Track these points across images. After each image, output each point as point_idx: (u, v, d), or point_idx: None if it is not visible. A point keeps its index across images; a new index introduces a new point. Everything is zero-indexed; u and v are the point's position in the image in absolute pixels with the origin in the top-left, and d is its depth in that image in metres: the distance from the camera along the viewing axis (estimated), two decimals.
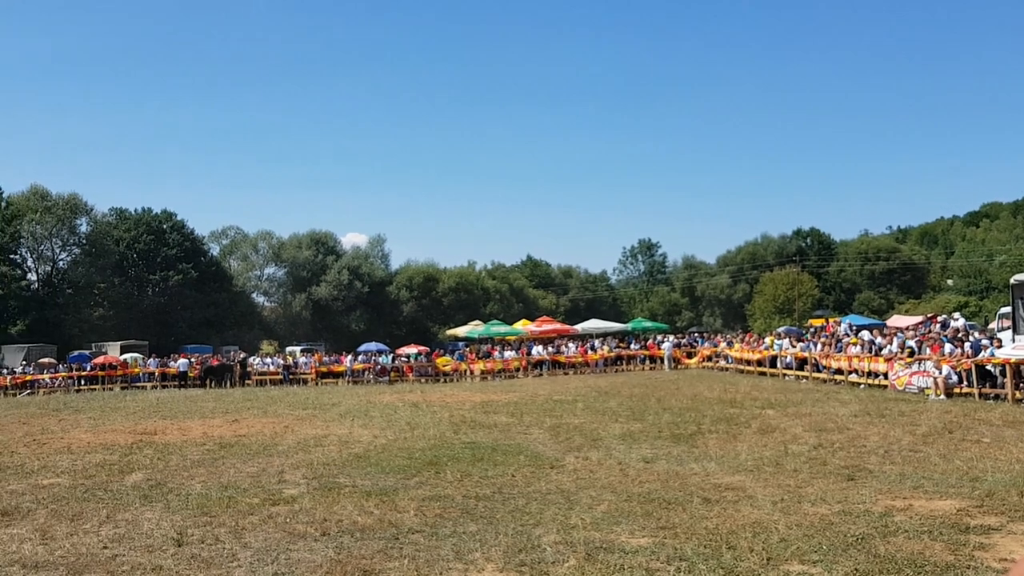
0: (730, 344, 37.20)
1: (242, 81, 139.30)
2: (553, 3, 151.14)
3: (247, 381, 38.18)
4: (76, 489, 10.62)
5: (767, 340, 34.03)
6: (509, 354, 39.85)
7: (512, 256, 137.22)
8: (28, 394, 36.29)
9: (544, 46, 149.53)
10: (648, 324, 53.66)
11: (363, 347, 47.36)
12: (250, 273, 79.79)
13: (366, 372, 38.68)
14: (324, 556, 7.03)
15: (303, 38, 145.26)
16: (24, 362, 43.66)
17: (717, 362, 36.14)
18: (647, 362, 39.37)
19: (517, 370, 37.83)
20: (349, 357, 41.68)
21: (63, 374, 39.75)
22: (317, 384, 37.13)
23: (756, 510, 8.35)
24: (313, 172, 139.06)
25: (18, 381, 38.17)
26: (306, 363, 40.47)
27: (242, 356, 43.48)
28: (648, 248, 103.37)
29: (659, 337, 44.16)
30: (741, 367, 32.94)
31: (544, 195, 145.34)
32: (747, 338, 38.46)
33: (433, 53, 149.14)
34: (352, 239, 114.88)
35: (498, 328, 47.65)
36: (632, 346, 41.83)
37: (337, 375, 38.63)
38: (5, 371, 40.29)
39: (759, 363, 31.49)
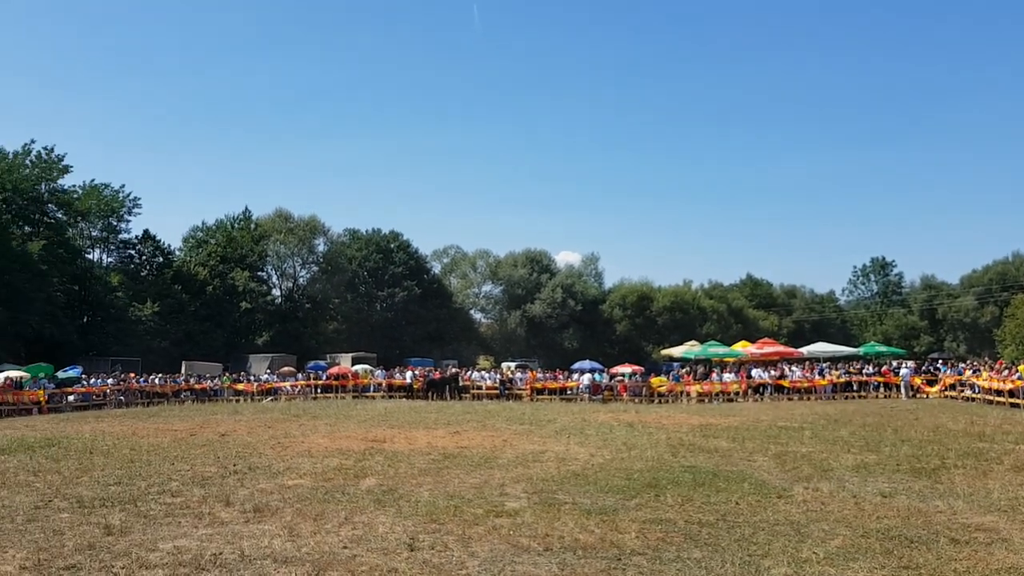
0: (977, 372, 33.99)
1: (462, 109, 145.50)
2: (786, 22, 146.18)
3: (464, 395, 39.41)
4: (317, 490, 11.35)
5: (1020, 369, 30.80)
6: (728, 376, 38.61)
7: (730, 274, 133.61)
8: (271, 400, 39.35)
9: (767, 61, 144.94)
10: (882, 348, 50.26)
11: (576, 365, 47.65)
12: (468, 290, 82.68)
13: (579, 390, 38.85)
14: (548, 571, 7.07)
15: (521, 62, 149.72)
16: (268, 370, 47.46)
17: (962, 391, 33.13)
18: (881, 389, 36.81)
19: (737, 393, 36.58)
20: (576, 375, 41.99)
21: (302, 382, 42.84)
22: (532, 400, 37.71)
23: (1012, 554, 7.57)
24: (529, 192, 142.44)
25: (263, 388, 41.55)
26: (521, 379, 41.25)
27: (452, 371, 44.98)
28: (882, 267, 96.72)
29: (895, 363, 41.20)
30: (990, 398, 30.01)
31: (764, 211, 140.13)
32: (997, 366, 34.99)
33: (645, 72, 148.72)
34: (566, 258, 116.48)
35: (716, 349, 46.37)
36: (865, 372, 39.26)
37: (553, 392, 39.04)
38: (252, 378, 44.00)
39: (1011, 394, 28.53)
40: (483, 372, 46.50)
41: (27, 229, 54.52)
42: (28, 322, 46.87)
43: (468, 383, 41.17)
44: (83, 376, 38.30)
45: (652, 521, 9.19)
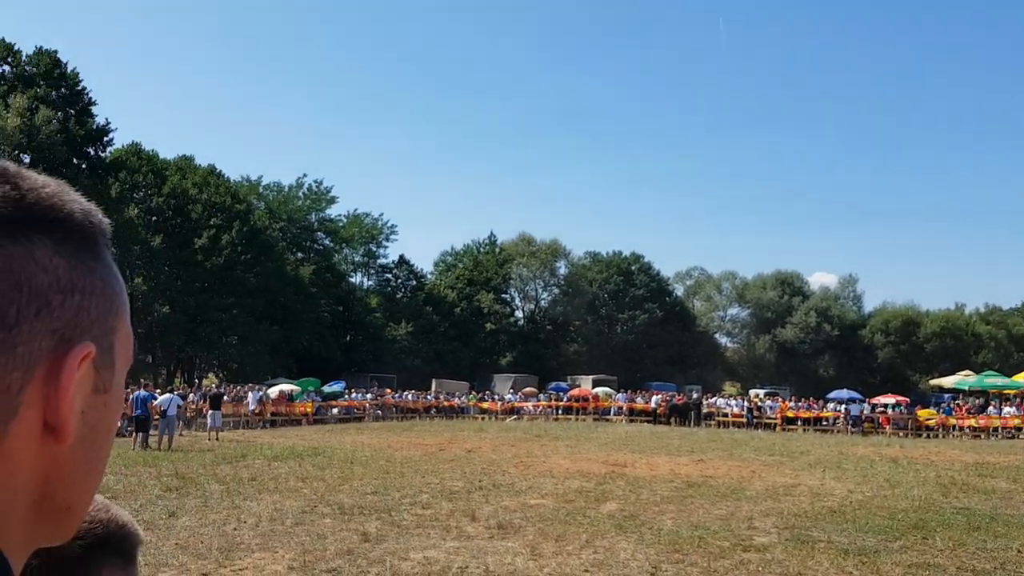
0: None
1: (704, 126, 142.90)
2: None
3: (708, 422, 38.31)
4: (559, 511, 11.34)
5: None
6: (1008, 410, 34.69)
7: (1011, 297, 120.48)
8: (515, 419, 40.38)
9: None
10: None
11: (833, 394, 44.89)
12: (713, 313, 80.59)
13: (836, 420, 36.50)
14: None
15: (764, 76, 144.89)
16: (512, 390, 48.81)
17: None
18: None
19: (1019, 429, 32.76)
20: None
21: (543, 403, 43.65)
22: (783, 429, 35.92)
23: None
24: (777, 210, 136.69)
25: (507, 407, 42.76)
26: (772, 407, 39.41)
27: (695, 396, 43.83)
28: None
29: None
30: None
31: None
32: None
33: (907, 75, 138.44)
34: (820, 279, 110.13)
35: (994, 380, 41.74)
36: None
37: (807, 421, 36.95)
38: (496, 397, 45.44)
39: None
40: (729, 399, 45.00)
41: (299, 255, 60.21)
42: (299, 340, 51.53)
43: (712, 410, 40.01)
44: (345, 391, 41.33)
45: (918, 566, 8.31)
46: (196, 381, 48.44)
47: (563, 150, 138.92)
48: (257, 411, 30.76)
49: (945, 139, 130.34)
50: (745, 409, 39.15)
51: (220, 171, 53.44)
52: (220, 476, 14.68)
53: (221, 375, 53.51)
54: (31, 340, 0.49)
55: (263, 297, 49.42)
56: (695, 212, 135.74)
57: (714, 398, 45.10)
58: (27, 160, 38.72)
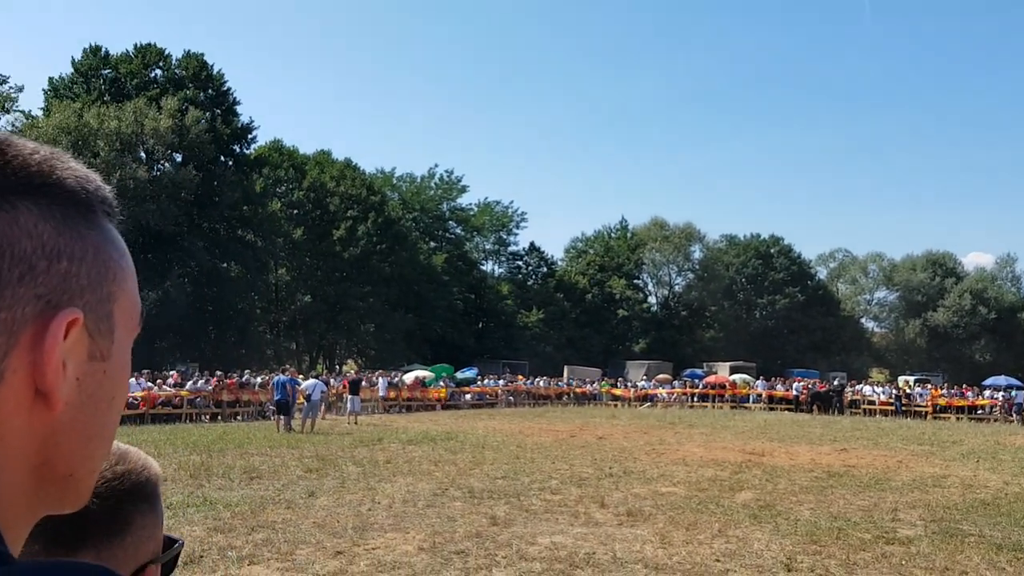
0: None
1: (846, 102, 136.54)
2: None
3: (854, 410, 36.72)
4: (691, 500, 11.09)
5: None
6: None
7: None
8: (648, 406, 39.93)
9: None
10: None
11: (990, 380, 42.20)
12: (859, 297, 77.22)
13: (993, 408, 34.29)
14: None
15: (915, 49, 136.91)
16: (645, 377, 48.28)
17: None
18: None
19: None
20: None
21: (678, 390, 42.96)
22: (934, 418, 34.02)
23: None
24: (927, 187, 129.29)
25: (640, 394, 42.33)
26: (922, 395, 37.38)
27: (838, 383, 42.02)
28: None
29: None
30: None
31: None
32: None
33: None
34: (975, 259, 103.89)
35: None
36: None
37: (960, 410, 34.85)
38: (629, 384, 45.06)
39: None
40: (876, 386, 42.99)
41: (432, 244, 61.51)
42: (433, 327, 52.73)
43: (858, 397, 38.33)
44: (478, 377, 41.95)
45: None
46: (336, 367, 50.35)
47: (696, 131, 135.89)
48: (390, 396, 31.59)
49: None
50: (893, 397, 37.26)
51: (356, 164, 55.25)
52: (357, 458, 15.16)
53: (360, 361, 55.41)
54: (14, 305, 0.49)
55: (398, 286, 50.83)
56: (839, 191, 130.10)
57: (859, 385, 43.16)
58: (179, 159, 41.14)
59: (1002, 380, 41.61)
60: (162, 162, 41.06)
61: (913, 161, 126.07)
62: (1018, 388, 38.40)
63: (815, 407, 36.78)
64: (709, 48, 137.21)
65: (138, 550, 0.85)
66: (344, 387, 28.95)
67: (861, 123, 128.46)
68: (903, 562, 7.69)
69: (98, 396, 0.56)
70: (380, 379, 30.51)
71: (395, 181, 63.48)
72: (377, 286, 49.39)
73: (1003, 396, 35.95)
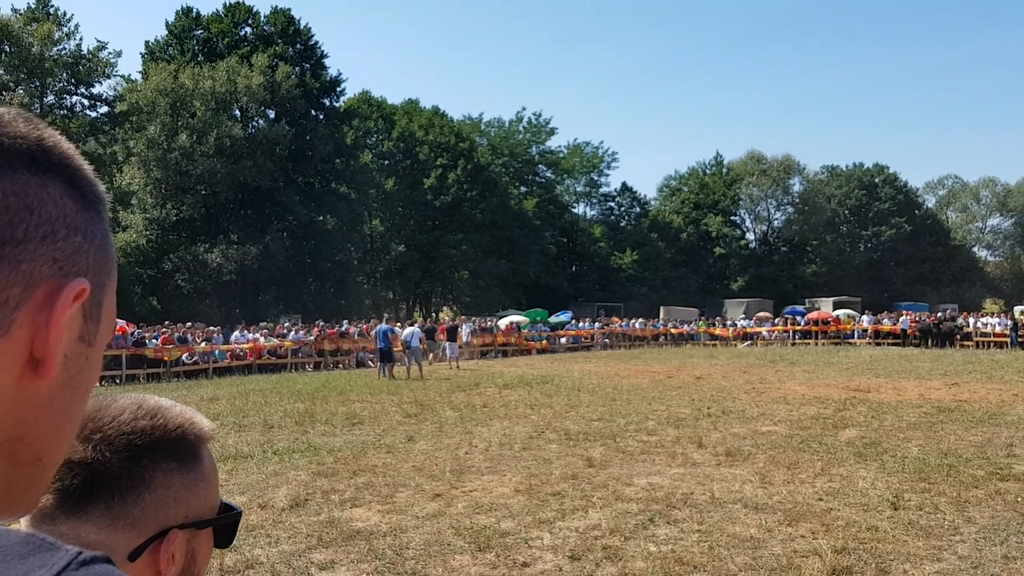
0: None
1: (936, 17, 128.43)
2: None
3: (966, 343, 35.22)
4: (792, 439, 10.86)
5: None
6: None
7: None
8: (748, 345, 39.19)
9: None
10: None
11: None
12: (971, 225, 73.69)
13: None
14: None
15: None
16: (744, 315, 47.34)
17: None
18: None
19: None
20: None
21: (779, 328, 41.97)
22: None
23: None
24: None
25: (739, 333, 41.55)
26: None
27: (940, 315, 40.21)
28: None
29: None
30: None
31: None
32: None
33: None
34: None
35: None
36: None
37: None
38: (728, 323, 44.27)
39: None
40: (990, 317, 41.10)
41: (522, 189, 61.38)
42: (526, 272, 52.91)
43: (970, 330, 36.71)
44: (573, 320, 41.95)
45: None
46: (433, 314, 51.18)
47: (791, 58, 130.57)
48: (474, 343, 31.83)
49: None
50: (1009, 328, 35.53)
51: (443, 112, 55.36)
52: (455, 403, 15.41)
53: (455, 308, 56.20)
54: (34, 260, 0.51)
55: (490, 232, 51.06)
56: (946, 113, 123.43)
57: (973, 319, 41.32)
58: (271, 115, 41.97)
59: None
60: (256, 119, 42.00)
61: (1011, 74, 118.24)
62: None
63: (928, 341, 35.40)
64: None
65: (159, 511, 0.81)
66: (442, 333, 29.45)
67: (966, 39, 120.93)
68: (1019, 499, 7.36)
69: (78, 380, 0.56)
70: (463, 326, 30.79)
71: (483, 127, 63.39)
72: (469, 233, 49.75)
73: None
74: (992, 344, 34.64)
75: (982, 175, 76.83)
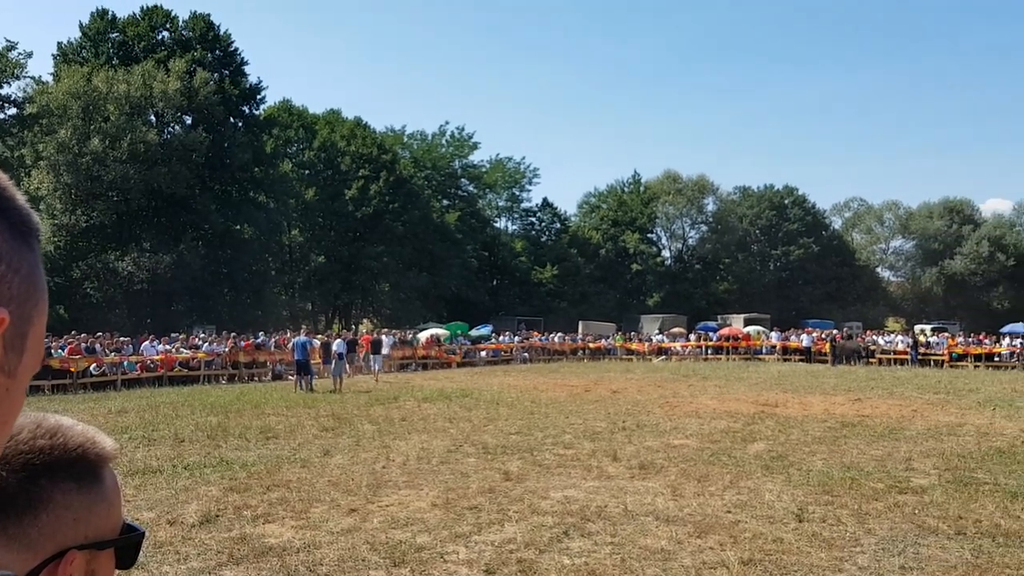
0: None
1: (856, 52, 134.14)
2: None
3: (870, 360, 36.60)
4: (703, 452, 11.14)
5: None
6: None
7: None
8: (663, 360, 39.94)
9: None
10: None
11: (1007, 328, 41.95)
12: (874, 246, 76.62)
13: (1013, 355, 34.16)
14: (959, 557, 6.20)
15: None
16: (659, 330, 48.20)
17: None
18: None
19: None
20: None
21: (692, 343, 42.91)
22: (951, 367, 33.91)
23: None
24: (945, 134, 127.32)
25: (654, 348, 42.33)
26: (939, 344, 37.21)
27: (846, 332, 41.71)
28: None
29: None
30: None
31: None
32: None
33: None
34: (993, 206, 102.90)
35: None
36: None
37: (977, 358, 34.68)
38: (644, 338, 45.04)
39: None
40: (892, 335, 42.85)
41: (444, 202, 61.39)
42: (448, 285, 52.87)
43: (868, 346, 38.15)
44: (493, 334, 42.07)
45: None
46: (352, 327, 50.64)
47: (708, 82, 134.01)
48: (394, 356, 31.61)
49: None
50: (909, 346, 37.12)
51: (366, 123, 55.02)
52: (373, 417, 15.30)
53: (375, 320, 55.72)
54: None
55: (411, 244, 50.88)
56: (853, 139, 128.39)
57: (875, 336, 42.92)
58: (188, 121, 41.03)
59: (1020, 327, 41.24)
60: (172, 125, 40.97)
61: (928, 107, 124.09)
62: None
63: (844, 359, 36.40)
64: (715, 2, 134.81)
65: (57, 532, 0.79)
66: (364, 345, 29.29)
67: (874, 70, 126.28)
68: (916, 511, 7.70)
69: None
70: (384, 338, 30.61)
71: (406, 139, 63.22)
72: (391, 245, 49.45)
73: (1021, 343, 35.75)
74: (893, 361, 36.10)
75: (885, 199, 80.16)
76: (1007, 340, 37.11)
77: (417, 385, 23.48)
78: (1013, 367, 33.02)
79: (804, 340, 39.48)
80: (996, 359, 34.54)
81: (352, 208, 49.16)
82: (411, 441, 12.20)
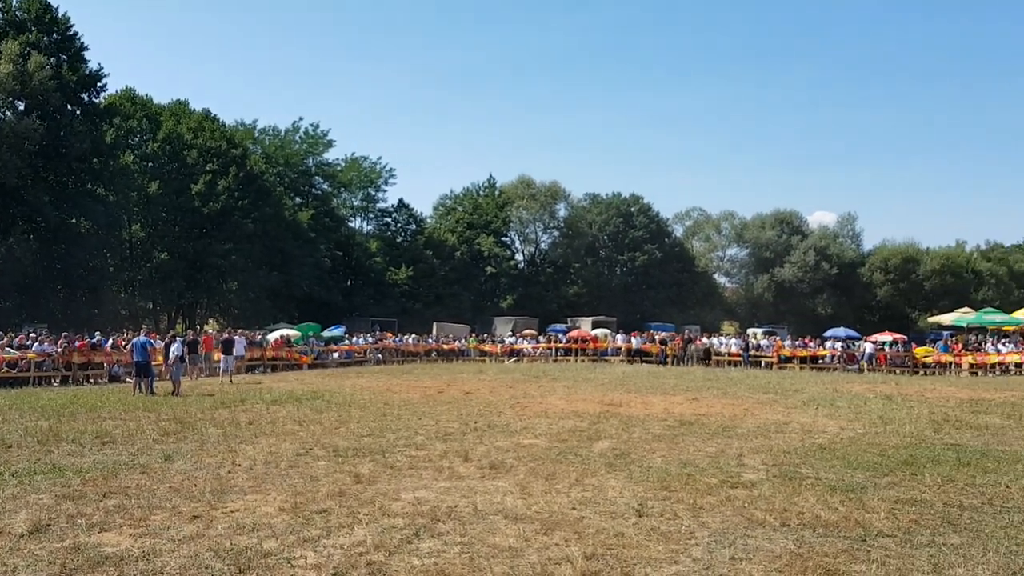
0: None
1: (701, 70, 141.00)
2: None
3: (708, 362, 38.50)
4: (551, 451, 11.47)
5: None
6: (1006, 347, 34.86)
7: (1013, 234, 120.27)
8: (515, 361, 40.62)
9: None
10: None
11: (830, 332, 45.11)
12: (712, 254, 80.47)
13: (834, 358, 36.78)
14: (783, 547, 6.68)
15: (763, 21, 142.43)
16: (512, 332, 48.93)
17: None
18: None
19: (1017, 366, 32.94)
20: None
21: (543, 345, 43.83)
22: (779, 368, 36.15)
23: None
24: (777, 150, 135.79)
25: (507, 349, 42.96)
26: (768, 346, 39.63)
27: (688, 335, 43.76)
28: None
29: None
30: None
31: None
32: None
33: (905, 14, 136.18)
34: (819, 218, 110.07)
35: (993, 316, 41.83)
36: None
37: (804, 360, 37.14)
38: (496, 339, 45.63)
39: None
40: (726, 338, 45.20)
41: (297, 200, 60.07)
42: (299, 285, 51.71)
43: (705, 348, 40.10)
44: (346, 335, 41.50)
45: (905, 501, 8.42)
46: (197, 327, 48.66)
47: (562, 91, 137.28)
48: (248, 356, 30.78)
49: (944, 74, 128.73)
50: (742, 348, 39.34)
51: (215, 116, 52.95)
52: (218, 420, 14.84)
53: (222, 320, 53.78)
54: None
55: (262, 242, 49.40)
56: (695, 152, 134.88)
57: (713, 338, 45.16)
58: (21, 107, 38.32)
59: (841, 332, 44.58)
60: (2, 110, 38.12)
61: (763, 124, 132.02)
62: (856, 339, 41.30)
63: (698, 361, 38.06)
64: (574, 9, 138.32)
65: None
66: (205, 346, 28.25)
67: (715, 87, 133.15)
68: (745, 504, 8.23)
69: None
70: (238, 338, 29.67)
71: (257, 134, 61.38)
72: (240, 243, 47.82)
73: (842, 346, 38.57)
74: (728, 363, 38.11)
75: (723, 209, 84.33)
76: (829, 343, 39.92)
77: (266, 387, 22.90)
78: (834, 369, 35.55)
79: (634, 342, 41.28)
80: (819, 361, 37.08)
81: (199, 203, 47.19)
82: (258, 445, 11.94)
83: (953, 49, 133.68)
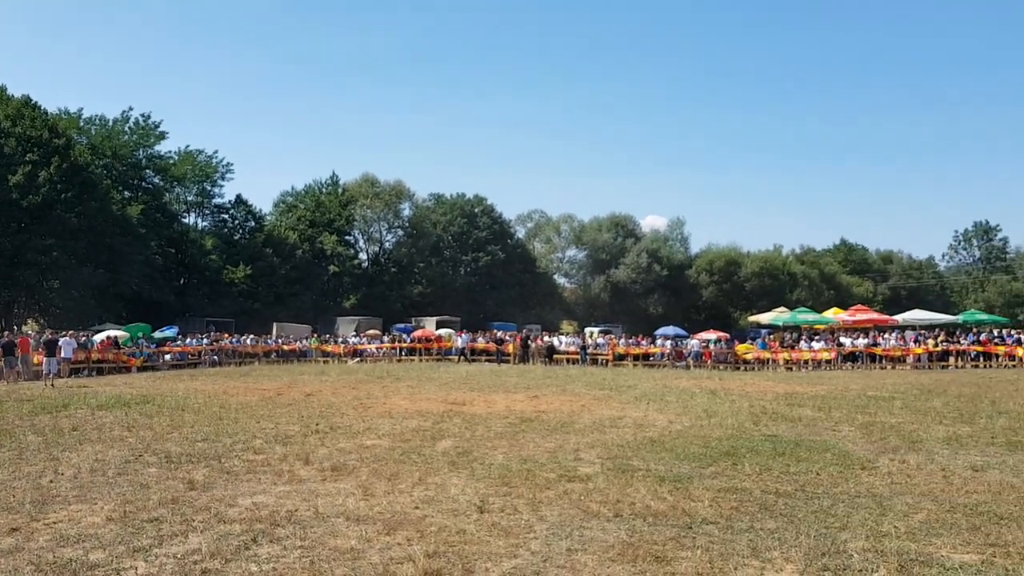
0: None
1: (543, 73, 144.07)
2: None
3: (550, 360, 39.43)
4: (394, 451, 11.49)
5: None
6: (817, 344, 37.61)
7: (823, 240, 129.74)
8: (358, 361, 40.17)
9: (862, 19, 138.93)
10: (983, 317, 47.74)
11: (660, 331, 47.15)
12: (552, 255, 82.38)
13: (663, 355, 38.52)
14: (616, 537, 6.97)
15: (600, 24, 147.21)
16: (355, 333, 48.37)
17: None
18: (982, 360, 35.37)
19: (827, 362, 35.59)
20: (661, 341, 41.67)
21: (387, 345, 43.59)
22: (614, 365, 37.51)
23: None
24: (613, 156, 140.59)
25: (350, 350, 42.43)
26: (603, 345, 41.04)
27: (526, 332, 44.81)
28: (985, 232, 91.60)
29: (995, 331, 39.43)
30: None
31: (861, 173, 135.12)
32: None
33: (732, 30, 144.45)
34: (651, 222, 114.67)
35: (806, 316, 45.12)
36: (963, 341, 37.68)
37: (636, 357, 38.72)
38: (339, 340, 44.99)
39: None
40: (566, 337, 46.43)
41: (127, 194, 56.86)
42: (128, 283, 49.00)
43: (549, 346, 41.08)
44: (179, 336, 39.77)
45: (727, 490, 8.99)
46: (14, 327, 45.24)
47: (407, 90, 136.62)
48: (77, 358, 29.08)
49: (767, 88, 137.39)
50: (579, 346, 40.57)
51: (36, 103, 49.39)
52: (38, 427, 13.95)
53: (43, 321, 50.27)
54: None
55: (87, 238, 46.49)
56: (536, 154, 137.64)
57: (553, 336, 46.30)
58: None
59: (671, 330, 46.74)
60: None
61: (599, 129, 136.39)
62: (684, 337, 43.43)
63: (547, 358, 38.77)
64: (420, 8, 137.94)
65: None
66: (22, 348, 26.41)
67: (554, 92, 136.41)
68: (582, 497, 8.55)
69: None
70: (63, 340, 27.87)
71: (83, 124, 57.65)
72: (62, 238, 44.81)
73: (671, 344, 40.47)
74: (567, 360, 39.21)
75: (563, 211, 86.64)
76: (660, 342, 41.81)
77: (91, 391, 21.61)
78: (664, 366, 37.25)
79: (459, 341, 41.88)
80: (651, 359, 38.77)
81: (17, 196, 43.84)
82: (83, 452, 11.32)
83: (777, 64, 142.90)
